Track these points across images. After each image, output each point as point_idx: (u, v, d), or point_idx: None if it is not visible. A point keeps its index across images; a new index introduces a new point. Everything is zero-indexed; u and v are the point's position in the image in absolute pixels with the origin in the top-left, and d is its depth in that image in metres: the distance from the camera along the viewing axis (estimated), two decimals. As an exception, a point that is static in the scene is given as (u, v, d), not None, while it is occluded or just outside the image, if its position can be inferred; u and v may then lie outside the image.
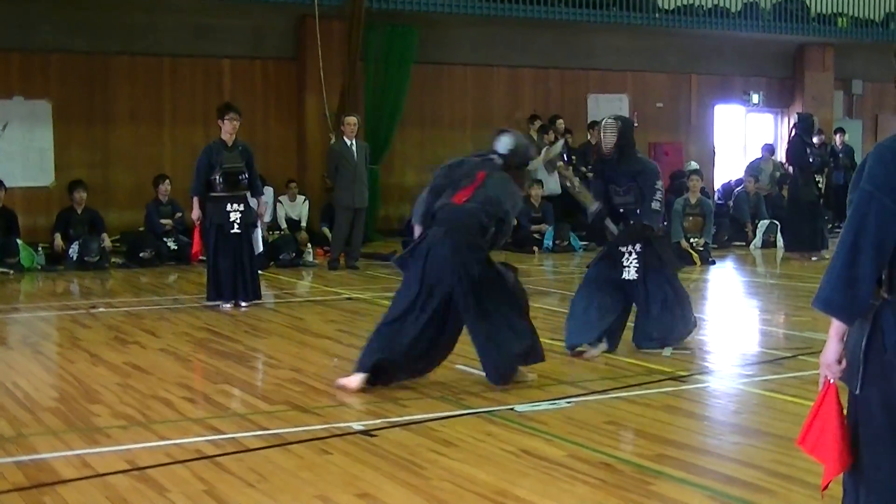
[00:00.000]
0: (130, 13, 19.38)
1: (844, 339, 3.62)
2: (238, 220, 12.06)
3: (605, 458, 5.95)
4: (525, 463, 5.85)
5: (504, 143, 8.17)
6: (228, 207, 12.01)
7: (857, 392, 3.61)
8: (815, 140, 18.55)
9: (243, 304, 12.13)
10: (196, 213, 12.08)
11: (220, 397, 7.60)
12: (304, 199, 19.48)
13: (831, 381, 3.65)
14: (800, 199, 17.77)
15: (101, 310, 12.03)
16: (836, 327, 3.60)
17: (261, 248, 13.19)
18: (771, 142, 26.68)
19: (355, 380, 7.65)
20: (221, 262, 12.02)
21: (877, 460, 3.60)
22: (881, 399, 3.56)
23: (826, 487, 3.82)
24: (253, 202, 12.40)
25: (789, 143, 18.16)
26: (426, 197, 8.07)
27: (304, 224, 19.15)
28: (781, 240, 19.33)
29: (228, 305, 12.02)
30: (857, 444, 3.65)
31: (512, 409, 7.11)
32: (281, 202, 19.45)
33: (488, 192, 7.86)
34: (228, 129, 12.19)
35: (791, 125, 18.28)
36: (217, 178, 12.01)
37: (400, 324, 7.68)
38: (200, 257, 13.12)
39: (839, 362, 3.61)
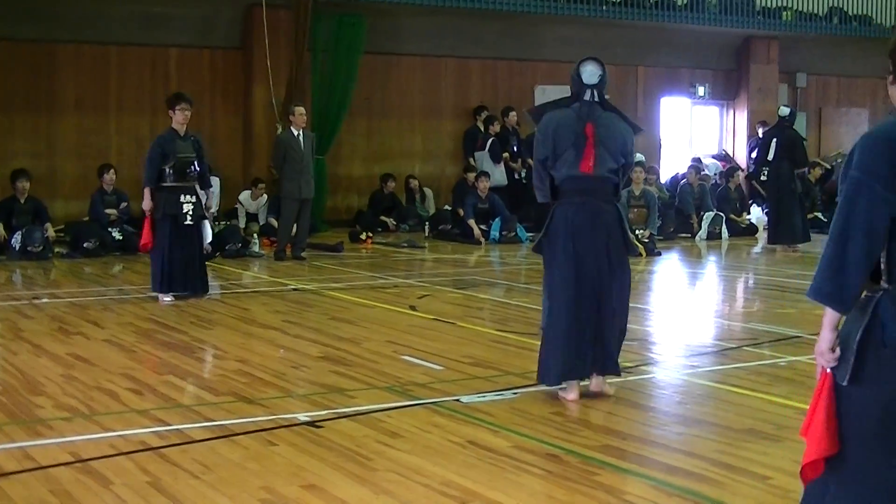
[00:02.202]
0: (77, 1, 19.21)
1: (839, 327, 3.53)
2: (191, 212, 11.94)
3: (551, 448, 5.97)
4: (471, 454, 5.86)
5: (591, 73, 7.15)
6: (182, 199, 11.87)
7: (845, 384, 3.52)
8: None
9: (192, 297, 12.00)
10: (147, 204, 11.87)
11: (165, 388, 7.56)
12: (266, 199, 19.38)
13: (827, 370, 3.57)
14: (794, 191, 17.93)
15: (44, 300, 11.92)
16: (828, 316, 3.52)
17: (209, 240, 13.06)
18: (716, 134, 26.94)
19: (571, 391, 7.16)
20: (175, 254, 11.88)
21: (859, 457, 3.51)
22: (875, 397, 3.47)
23: (806, 472, 3.68)
24: (202, 195, 12.33)
25: (793, 140, 18.16)
26: (538, 169, 7.30)
27: (262, 221, 19.05)
28: (767, 232, 19.13)
29: (168, 298, 11.81)
30: (840, 435, 3.55)
31: (458, 399, 7.12)
32: (241, 203, 19.36)
33: (607, 146, 7.07)
34: (180, 120, 11.99)
35: (786, 118, 18.17)
36: (168, 168, 11.85)
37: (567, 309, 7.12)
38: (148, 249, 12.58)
39: (832, 350, 3.53)
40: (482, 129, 21.76)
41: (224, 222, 18.51)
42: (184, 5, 20.05)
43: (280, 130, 17.63)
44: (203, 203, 12.32)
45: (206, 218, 12.62)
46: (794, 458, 5.72)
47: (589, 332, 7.08)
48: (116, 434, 6.25)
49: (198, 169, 12.08)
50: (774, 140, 17.96)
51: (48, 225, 16.59)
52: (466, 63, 22.93)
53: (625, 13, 23.37)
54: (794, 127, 18.13)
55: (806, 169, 18.68)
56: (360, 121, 21.81)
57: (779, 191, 18.00)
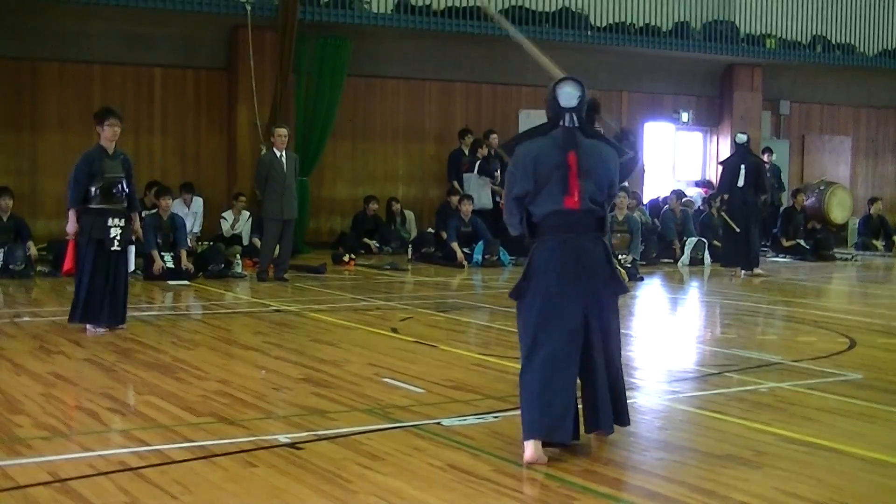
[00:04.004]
0: (61, 19, 19.22)
1: None
2: (119, 237, 11.09)
3: (531, 472, 5.96)
4: (451, 477, 5.84)
5: (569, 95, 6.37)
6: (109, 222, 11.03)
7: None
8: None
9: (109, 328, 11.09)
10: (72, 227, 11.01)
11: (145, 408, 7.53)
12: (249, 216, 19.36)
13: None
14: (760, 218, 18.10)
15: (25, 319, 11.88)
16: None
17: (132, 267, 12.20)
18: (700, 160, 27.03)
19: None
20: (97, 282, 11.02)
21: None
22: None
23: None
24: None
25: (760, 167, 18.34)
26: (511, 206, 6.43)
27: (245, 242, 19.02)
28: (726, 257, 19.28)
29: (102, 330, 11.00)
30: None
31: (439, 423, 7.11)
32: (225, 218, 19.33)
33: (592, 176, 6.28)
34: (109, 136, 11.16)
35: (745, 145, 18.31)
36: (95, 189, 11.02)
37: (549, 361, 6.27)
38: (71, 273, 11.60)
39: None
40: (466, 152, 21.79)
41: (207, 243, 18.51)
42: (168, 25, 20.08)
43: (263, 151, 17.63)
44: (131, 226, 11.41)
45: (132, 243, 11.69)
46: (772, 484, 5.74)
47: (571, 390, 6.27)
48: (96, 454, 6.22)
49: (126, 190, 11.24)
50: (743, 167, 18.10)
51: (30, 243, 16.54)
52: (450, 86, 23.00)
53: (609, 39, 23.49)
54: (755, 153, 18.32)
55: (768, 196, 18.73)
56: (344, 143, 21.85)
57: (747, 217, 18.15)
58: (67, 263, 11.20)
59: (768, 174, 21.75)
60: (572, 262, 6.26)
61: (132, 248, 11.77)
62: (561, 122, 6.36)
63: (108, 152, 11.17)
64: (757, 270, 18.08)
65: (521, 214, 6.38)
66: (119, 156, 11.27)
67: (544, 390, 6.19)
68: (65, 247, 11.66)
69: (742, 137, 18.41)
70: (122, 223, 11.16)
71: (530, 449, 6.14)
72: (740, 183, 18.09)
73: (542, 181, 6.25)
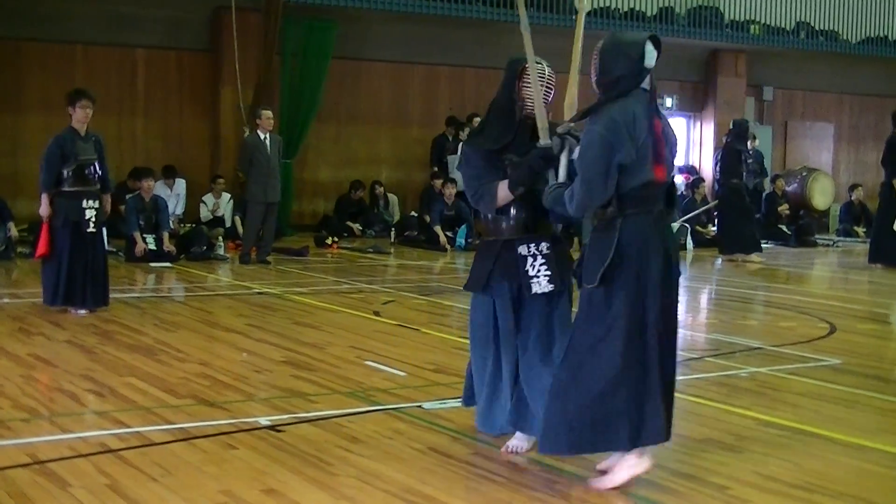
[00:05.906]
0: (43, -1, 19.14)
1: None
2: (94, 218, 11.00)
3: (512, 456, 5.97)
4: (432, 460, 5.85)
5: (652, 55, 5.57)
6: (84, 204, 10.94)
7: None
8: (748, 145, 19.28)
9: (90, 310, 10.98)
10: (45, 210, 10.93)
11: (125, 390, 7.51)
12: (230, 198, 19.30)
13: None
14: (734, 203, 18.26)
15: (5, 300, 11.84)
16: None
17: (106, 248, 12.12)
18: (683, 146, 27.07)
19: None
20: (75, 265, 10.92)
21: None
22: None
23: None
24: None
25: (724, 151, 18.58)
26: (610, 175, 5.32)
27: (228, 224, 18.97)
28: (719, 243, 19.48)
29: (84, 311, 10.91)
30: None
31: (420, 406, 7.11)
32: (205, 202, 19.26)
33: (672, 150, 5.66)
34: (81, 118, 10.94)
35: (726, 133, 18.64)
36: (68, 171, 10.90)
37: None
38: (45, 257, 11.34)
39: None
40: (450, 138, 21.80)
41: (189, 225, 18.46)
42: (152, 6, 20.00)
43: (247, 133, 17.58)
44: (104, 207, 11.32)
45: (105, 225, 11.64)
46: (752, 468, 5.76)
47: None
48: (75, 436, 6.21)
49: (99, 171, 11.13)
50: (719, 152, 18.53)
51: (11, 224, 16.46)
52: (436, 70, 22.96)
53: (593, 23, 23.45)
54: (738, 138, 18.53)
55: (737, 180, 18.80)
56: (328, 126, 21.79)
57: (722, 202, 18.55)
58: (41, 247, 11.06)
59: (749, 160, 21.74)
60: (662, 244, 5.41)
61: (103, 229, 11.67)
62: (641, 85, 5.58)
63: (81, 134, 11.04)
64: (720, 258, 18.53)
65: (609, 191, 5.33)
66: (91, 138, 11.14)
67: (649, 391, 5.42)
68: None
69: (732, 123, 18.86)
70: (97, 204, 11.08)
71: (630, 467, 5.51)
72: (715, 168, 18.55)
73: (638, 148, 5.35)
